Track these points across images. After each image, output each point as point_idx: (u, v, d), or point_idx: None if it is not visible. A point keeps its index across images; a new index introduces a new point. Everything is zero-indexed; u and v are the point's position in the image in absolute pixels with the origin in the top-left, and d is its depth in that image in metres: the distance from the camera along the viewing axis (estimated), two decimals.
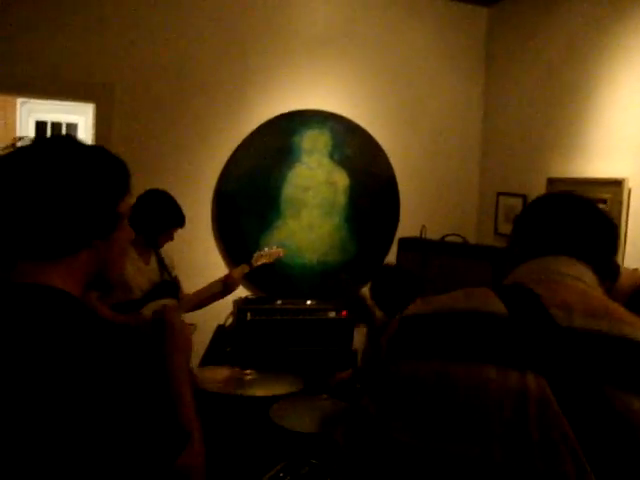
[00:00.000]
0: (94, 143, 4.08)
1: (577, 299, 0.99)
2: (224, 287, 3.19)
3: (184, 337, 1.30)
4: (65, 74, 3.55)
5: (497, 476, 0.89)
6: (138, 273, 3.02)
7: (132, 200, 1.18)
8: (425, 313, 1.09)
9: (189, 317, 3.13)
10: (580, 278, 1.07)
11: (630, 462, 0.85)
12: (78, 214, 1.05)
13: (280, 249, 3.42)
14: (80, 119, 6.23)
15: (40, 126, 6.38)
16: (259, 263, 3.30)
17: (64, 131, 6.39)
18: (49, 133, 6.29)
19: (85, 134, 5.94)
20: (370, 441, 1.10)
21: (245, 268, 3.27)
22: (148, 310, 2.93)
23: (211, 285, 3.17)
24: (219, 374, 2.71)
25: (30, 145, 1.08)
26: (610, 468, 0.85)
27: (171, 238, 3.18)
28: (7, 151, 1.07)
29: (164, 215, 3.09)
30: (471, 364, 0.95)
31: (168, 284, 3.19)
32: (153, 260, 3.18)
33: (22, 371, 0.92)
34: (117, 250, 1.15)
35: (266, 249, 3.39)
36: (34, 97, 4.36)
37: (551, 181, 3.65)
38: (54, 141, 1.11)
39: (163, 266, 3.20)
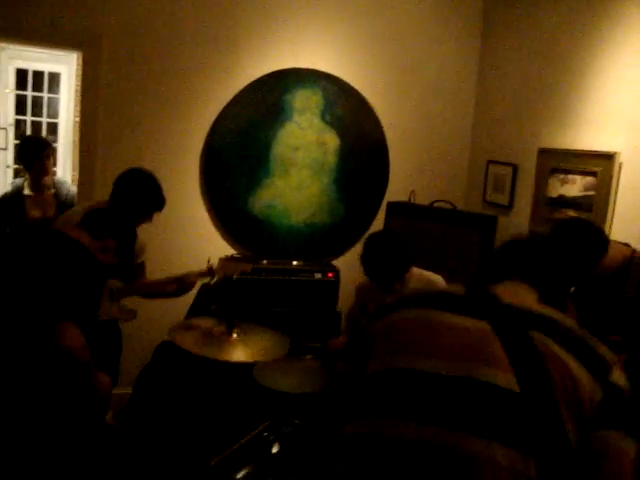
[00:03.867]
0: (79, 94, 3.96)
1: (511, 294, 1.36)
2: (178, 287, 3.10)
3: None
4: (50, 19, 3.43)
5: (445, 385, 1.18)
6: None
7: None
8: (408, 294, 1.52)
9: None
10: (519, 290, 1.40)
11: (539, 373, 1.15)
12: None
13: (249, 265, 3.22)
14: (63, 69, 6.05)
15: (21, 74, 6.20)
16: (222, 271, 3.10)
17: (46, 80, 6.21)
18: (30, 82, 6.12)
19: (68, 84, 5.78)
20: (342, 388, 1.42)
21: (206, 275, 3.12)
22: None
23: (165, 283, 3.09)
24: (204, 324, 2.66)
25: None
26: (527, 378, 1.15)
27: (150, 220, 3.06)
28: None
29: (145, 200, 2.97)
30: (433, 310, 1.32)
31: (122, 265, 2.97)
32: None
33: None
34: None
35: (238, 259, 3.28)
36: (15, 43, 4.19)
37: (542, 151, 3.63)
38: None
39: (130, 252, 3.00)
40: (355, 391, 1.31)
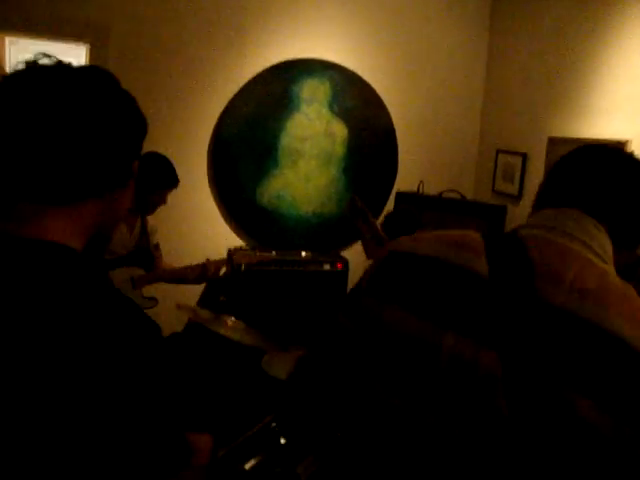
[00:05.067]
0: None
1: (574, 271, 0.90)
2: (200, 275, 3.11)
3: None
4: (59, 13, 3.44)
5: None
6: (116, 237, 2.94)
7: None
8: (415, 253, 1.03)
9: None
10: (590, 245, 0.96)
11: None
12: (99, 156, 0.89)
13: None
14: (72, 61, 6.05)
15: None
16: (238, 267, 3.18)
17: None
18: None
19: None
20: (342, 353, 1.13)
21: (222, 262, 3.18)
22: (114, 277, 2.88)
23: (187, 271, 3.09)
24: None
25: (51, 68, 0.92)
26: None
27: (164, 201, 3.09)
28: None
29: (157, 175, 3.00)
30: (436, 326, 0.93)
31: (142, 252, 3.11)
32: (137, 226, 3.11)
33: (18, 354, 0.76)
34: (120, 210, 0.99)
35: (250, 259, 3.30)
36: (24, 36, 4.20)
37: (552, 140, 3.60)
38: (84, 71, 0.95)
39: (145, 234, 3.13)
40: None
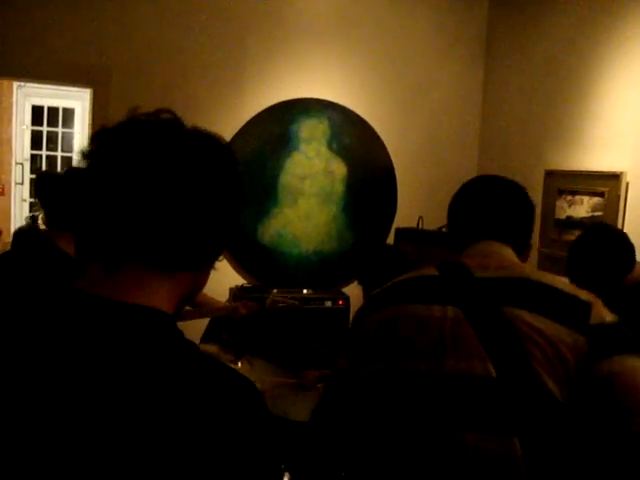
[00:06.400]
0: (91, 129, 4.06)
1: (494, 262, 1.33)
2: (229, 314, 3.18)
3: None
4: (62, 58, 3.53)
5: (426, 381, 1.22)
6: None
7: None
8: (386, 287, 1.41)
9: None
10: (500, 252, 1.38)
11: (514, 350, 1.18)
12: (213, 231, 0.88)
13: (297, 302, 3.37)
14: (77, 104, 6.18)
15: (36, 111, 6.33)
16: (270, 306, 3.28)
17: (60, 115, 6.33)
18: (45, 117, 6.25)
19: (82, 120, 5.90)
20: (345, 387, 1.41)
21: (255, 307, 3.25)
22: None
23: (216, 310, 3.20)
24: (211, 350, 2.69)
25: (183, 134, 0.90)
26: (503, 359, 1.18)
27: None
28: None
29: None
30: (407, 305, 1.31)
31: None
32: None
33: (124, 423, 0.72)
34: (205, 281, 0.95)
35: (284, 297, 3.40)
36: (31, 81, 4.32)
37: (549, 173, 3.64)
38: (217, 146, 0.95)
39: None
40: (350, 391, 1.39)
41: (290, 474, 2.28)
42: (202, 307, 3.19)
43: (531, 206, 1.47)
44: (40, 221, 3.96)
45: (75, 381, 0.73)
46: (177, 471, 0.72)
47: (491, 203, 1.44)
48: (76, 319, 0.78)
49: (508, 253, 1.38)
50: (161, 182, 0.81)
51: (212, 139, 0.94)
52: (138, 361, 0.76)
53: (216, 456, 0.74)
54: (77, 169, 0.88)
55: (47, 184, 4.00)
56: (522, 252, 1.42)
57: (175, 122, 0.89)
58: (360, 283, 2.88)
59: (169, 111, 0.89)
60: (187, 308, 3.13)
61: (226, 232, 0.91)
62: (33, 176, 5.52)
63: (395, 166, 4.27)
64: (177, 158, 0.84)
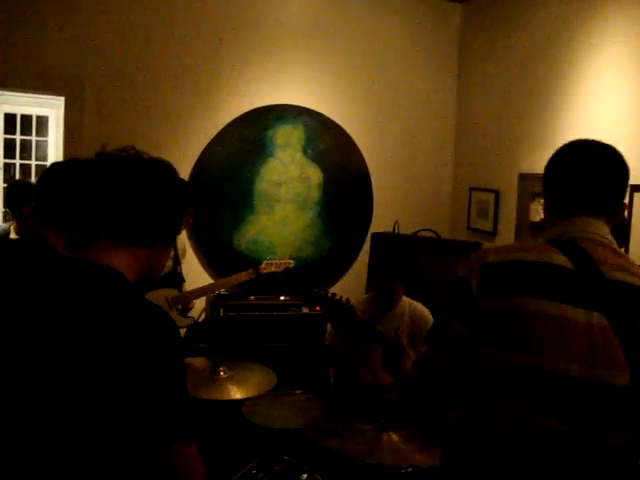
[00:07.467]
0: (64, 137, 4.02)
1: (610, 258, 1.32)
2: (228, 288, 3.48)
3: None
4: (35, 67, 3.51)
5: (574, 385, 1.23)
6: None
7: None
8: (506, 261, 1.33)
9: None
10: (604, 236, 1.37)
11: None
12: (159, 218, 1.30)
13: (291, 261, 3.65)
14: (51, 112, 6.11)
15: (9, 118, 6.25)
16: (266, 271, 3.48)
17: (34, 124, 6.27)
18: (19, 126, 6.17)
19: (56, 128, 5.83)
20: (460, 356, 1.33)
21: (252, 274, 3.40)
22: (151, 299, 2.92)
23: (215, 287, 3.46)
24: (194, 365, 2.67)
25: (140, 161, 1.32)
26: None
27: (187, 223, 3.28)
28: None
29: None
30: (552, 302, 1.26)
31: (173, 275, 3.29)
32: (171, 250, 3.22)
33: (73, 331, 1.11)
34: (162, 262, 1.37)
35: (276, 259, 3.58)
36: (3, 89, 4.27)
37: (522, 176, 3.68)
38: (155, 163, 1.34)
39: (177, 258, 3.31)
40: (471, 368, 1.32)
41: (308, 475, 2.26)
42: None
43: (627, 173, 1.42)
44: (12, 232, 3.92)
45: (45, 304, 1.14)
46: (106, 368, 1.09)
47: (593, 176, 1.40)
48: (54, 268, 1.21)
49: (606, 233, 1.38)
50: (122, 189, 1.28)
51: (159, 163, 1.34)
52: (94, 295, 1.15)
53: (135, 358, 1.11)
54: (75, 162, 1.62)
55: (18, 192, 3.96)
56: (613, 218, 1.41)
57: (136, 156, 1.31)
58: (398, 280, 2.90)
59: (133, 148, 1.31)
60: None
61: (166, 220, 1.32)
62: (6, 185, 5.44)
63: (370, 171, 4.29)
64: (130, 176, 1.28)
